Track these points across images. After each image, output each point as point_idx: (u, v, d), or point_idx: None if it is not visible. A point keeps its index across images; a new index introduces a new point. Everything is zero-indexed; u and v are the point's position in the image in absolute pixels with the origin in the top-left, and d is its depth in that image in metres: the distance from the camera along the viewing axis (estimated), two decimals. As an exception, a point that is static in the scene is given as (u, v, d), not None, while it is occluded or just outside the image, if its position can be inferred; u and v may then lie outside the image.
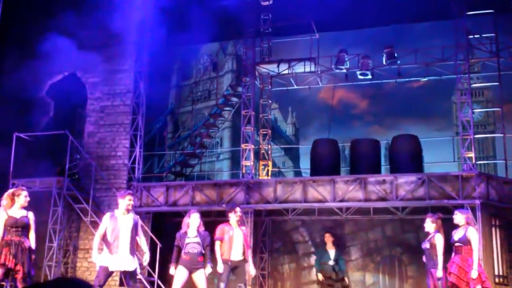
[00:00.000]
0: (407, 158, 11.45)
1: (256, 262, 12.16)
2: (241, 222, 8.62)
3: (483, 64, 12.32)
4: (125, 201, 7.34)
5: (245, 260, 8.42)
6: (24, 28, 13.54)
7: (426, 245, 8.23)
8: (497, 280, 10.40)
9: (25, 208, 7.22)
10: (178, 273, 7.84)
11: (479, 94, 13.20)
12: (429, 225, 8.23)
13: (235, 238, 8.29)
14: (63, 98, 13.52)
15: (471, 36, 11.73)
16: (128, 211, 7.36)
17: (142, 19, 12.59)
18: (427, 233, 8.29)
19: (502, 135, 11.69)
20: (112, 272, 7.36)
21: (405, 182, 10.82)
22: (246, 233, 8.60)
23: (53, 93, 13.64)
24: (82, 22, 11.98)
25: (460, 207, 9.74)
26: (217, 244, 8.26)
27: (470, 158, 10.82)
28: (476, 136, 11.62)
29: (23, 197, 7.19)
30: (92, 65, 12.97)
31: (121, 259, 7.16)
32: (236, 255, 8.26)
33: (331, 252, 10.87)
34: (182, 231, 7.99)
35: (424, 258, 8.28)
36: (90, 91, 13.27)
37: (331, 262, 10.70)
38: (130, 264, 7.22)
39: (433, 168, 11.95)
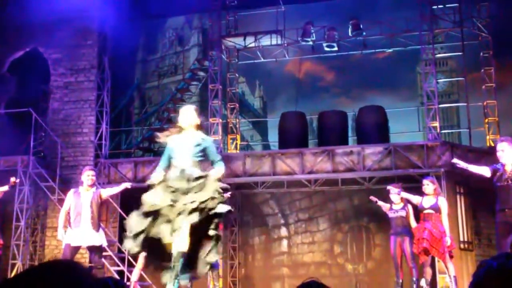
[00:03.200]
0: (374, 129, 11.58)
1: (227, 235, 12.23)
2: None
3: (447, 34, 12.45)
4: (84, 177, 7.35)
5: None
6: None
7: (401, 213, 8.38)
8: (462, 246, 10.69)
9: None
10: None
11: (443, 64, 13.38)
12: (396, 197, 8.41)
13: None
14: (25, 75, 13.20)
15: (435, 7, 11.82)
16: (90, 186, 7.35)
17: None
18: (393, 203, 8.48)
19: (465, 104, 11.89)
20: (78, 248, 7.35)
21: (372, 153, 10.95)
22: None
23: (15, 69, 13.31)
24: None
25: (426, 175, 9.91)
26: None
27: (434, 128, 10.99)
28: (441, 105, 11.79)
29: None
30: (54, 40, 12.67)
31: (83, 234, 7.15)
32: None
33: (185, 141, 5.69)
34: None
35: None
36: (53, 67, 12.99)
37: (182, 161, 5.64)
38: (93, 239, 7.21)
39: (399, 138, 12.12)
